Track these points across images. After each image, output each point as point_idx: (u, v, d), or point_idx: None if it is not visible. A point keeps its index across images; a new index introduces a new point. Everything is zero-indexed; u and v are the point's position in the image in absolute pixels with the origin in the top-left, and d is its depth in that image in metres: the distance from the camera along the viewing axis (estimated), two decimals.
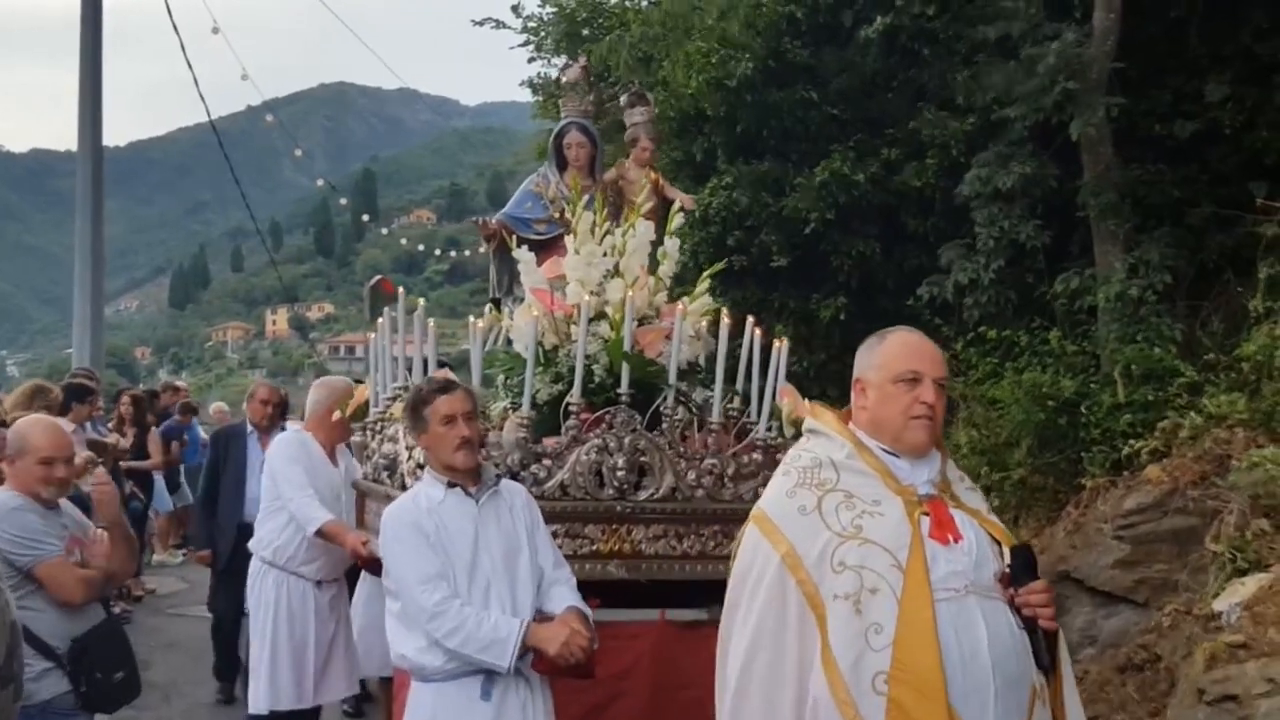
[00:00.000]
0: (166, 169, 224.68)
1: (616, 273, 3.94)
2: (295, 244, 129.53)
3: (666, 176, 5.41)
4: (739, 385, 3.97)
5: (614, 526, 3.50)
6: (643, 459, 3.53)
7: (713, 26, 8.90)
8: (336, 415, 4.55)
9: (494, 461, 3.33)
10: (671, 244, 4.15)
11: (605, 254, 3.97)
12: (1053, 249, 7.30)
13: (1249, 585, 4.46)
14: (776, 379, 3.84)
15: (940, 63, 8.21)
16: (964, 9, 7.82)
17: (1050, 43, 6.53)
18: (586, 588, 3.17)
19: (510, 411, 3.69)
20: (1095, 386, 6.18)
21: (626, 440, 3.51)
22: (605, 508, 3.50)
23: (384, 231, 65.98)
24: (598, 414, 3.55)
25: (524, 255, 4.13)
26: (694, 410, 3.90)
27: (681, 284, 4.58)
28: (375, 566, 4.19)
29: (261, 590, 4.58)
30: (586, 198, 4.13)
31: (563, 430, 3.53)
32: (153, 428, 9.53)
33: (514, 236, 4.50)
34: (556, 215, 4.72)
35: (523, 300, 4.35)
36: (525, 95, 13.10)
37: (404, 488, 3.61)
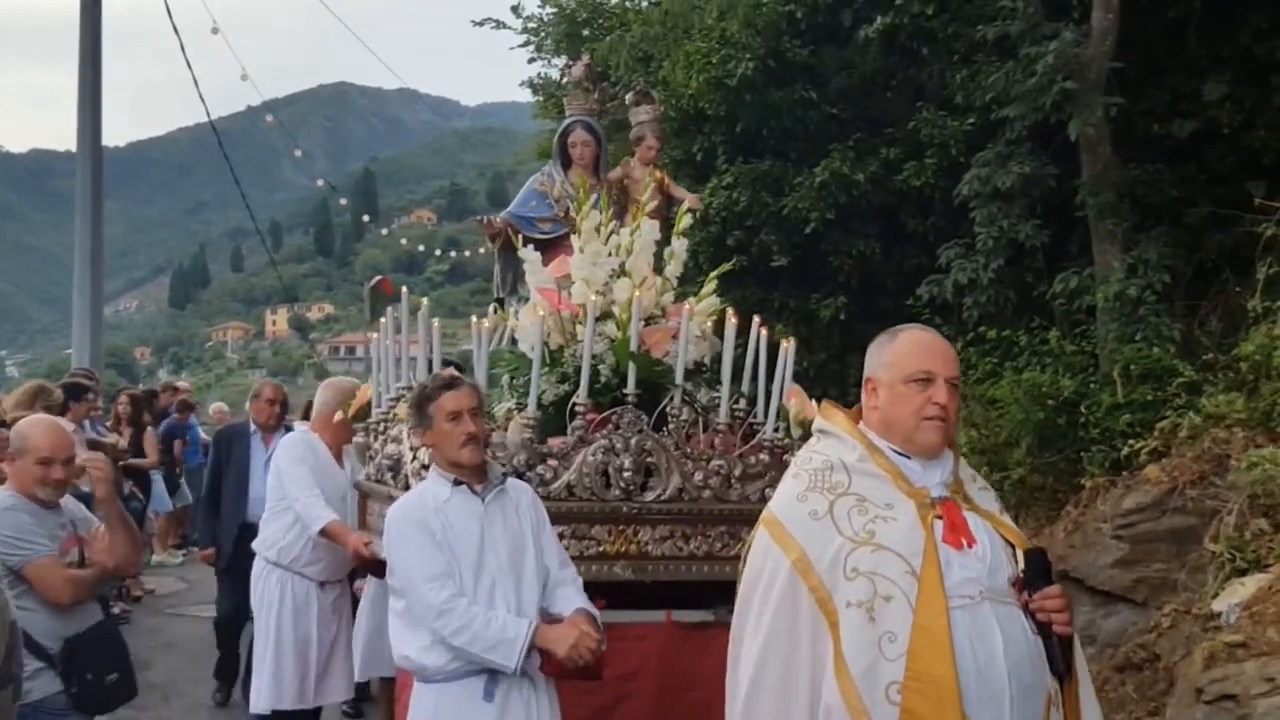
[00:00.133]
0: (166, 169, 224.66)
1: (622, 272, 3.92)
2: (295, 244, 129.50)
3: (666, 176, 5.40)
4: (744, 386, 3.95)
5: (620, 527, 3.49)
6: (649, 460, 3.51)
7: (712, 26, 8.91)
8: (339, 416, 4.54)
9: (500, 461, 3.31)
10: (679, 244, 4.12)
11: (610, 253, 3.95)
12: (1052, 248, 7.31)
13: (1248, 585, 4.46)
14: (784, 379, 3.82)
15: (939, 62, 8.22)
16: (963, 9, 7.83)
17: (1049, 42, 6.54)
18: (593, 589, 3.16)
19: (515, 412, 3.67)
20: (1094, 386, 6.19)
21: (633, 441, 3.49)
22: (611, 508, 3.48)
23: (384, 232, 65.98)
24: (604, 414, 3.53)
25: (529, 254, 4.11)
26: (699, 410, 3.88)
27: (681, 284, 4.58)
28: (376, 568, 4.20)
29: (265, 590, 4.59)
30: (594, 196, 4.11)
31: (569, 431, 3.50)
32: (149, 427, 9.53)
33: (519, 235, 4.48)
34: (561, 214, 4.70)
35: (527, 300, 4.32)
36: (525, 95, 13.13)
37: (408, 489, 3.59)
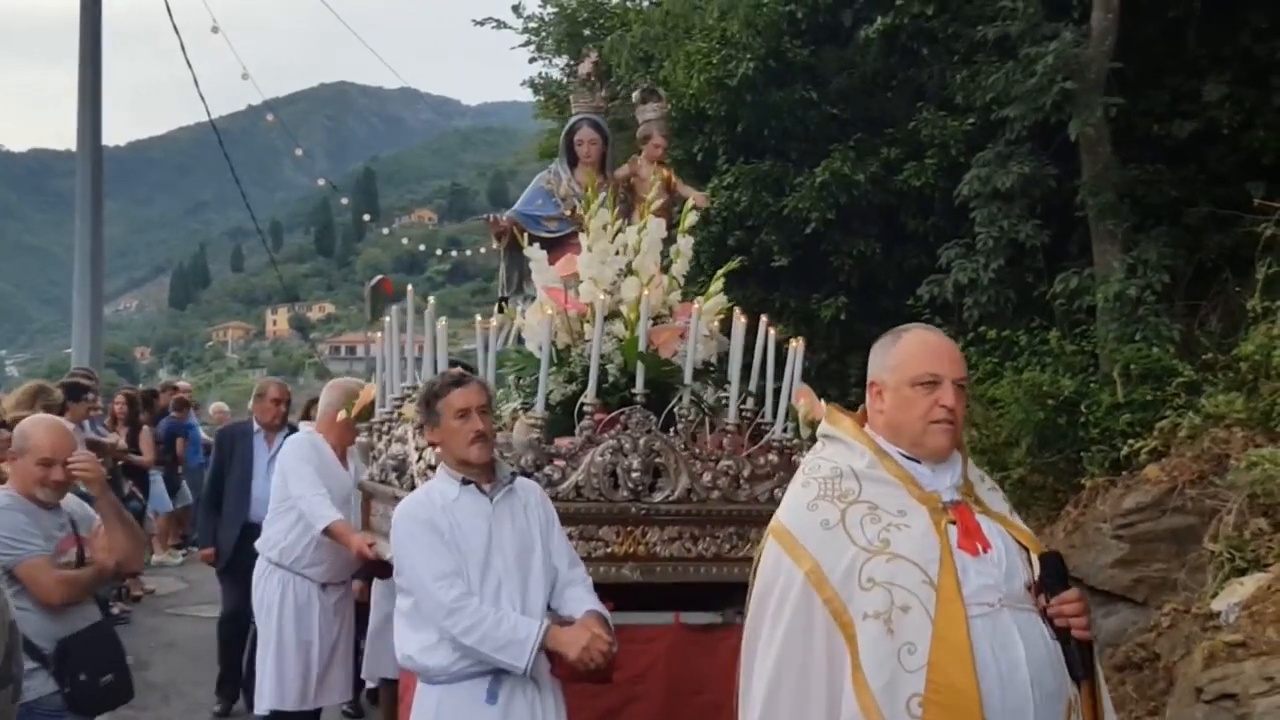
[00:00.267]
0: (166, 169, 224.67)
1: (630, 271, 3.89)
2: (296, 244, 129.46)
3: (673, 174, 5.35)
4: (751, 385, 3.92)
5: (628, 529, 3.46)
6: (658, 460, 3.49)
7: (713, 26, 8.91)
8: (341, 415, 4.52)
9: (508, 461, 3.28)
10: (685, 242, 4.10)
11: (618, 252, 3.92)
12: (1052, 249, 7.32)
13: (1247, 585, 4.47)
14: (793, 379, 3.79)
15: (939, 62, 8.22)
16: (963, 9, 7.84)
17: (1049, 43, 6.54)
18: (601, 590, 3.13)
19: (521, 412, 3.65)
20: (1094, 386, 6.20)
21: (642, 441, 3.46)
22: (620, 509, 3.45)
23: (385, 231, 66.00)
24: (612, 415, 3.50)
25: (535, 253, 4.09)
26: (705, 410, 3.86)
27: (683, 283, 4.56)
28: (380, 569, 4.19)
29: (266, 591, 4.58)
30: (602, 195, 4.09)
31: (577, 431, 3.48)
32: (146, 426, 9.53)
33: (525, 234, 4.45)
34: (568, 212, 4.68)
35: (533, 299, 4.30)
36: (526, 95, 13.14)
37: (413, 489, 3.56)
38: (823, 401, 3.68)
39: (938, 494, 2.07)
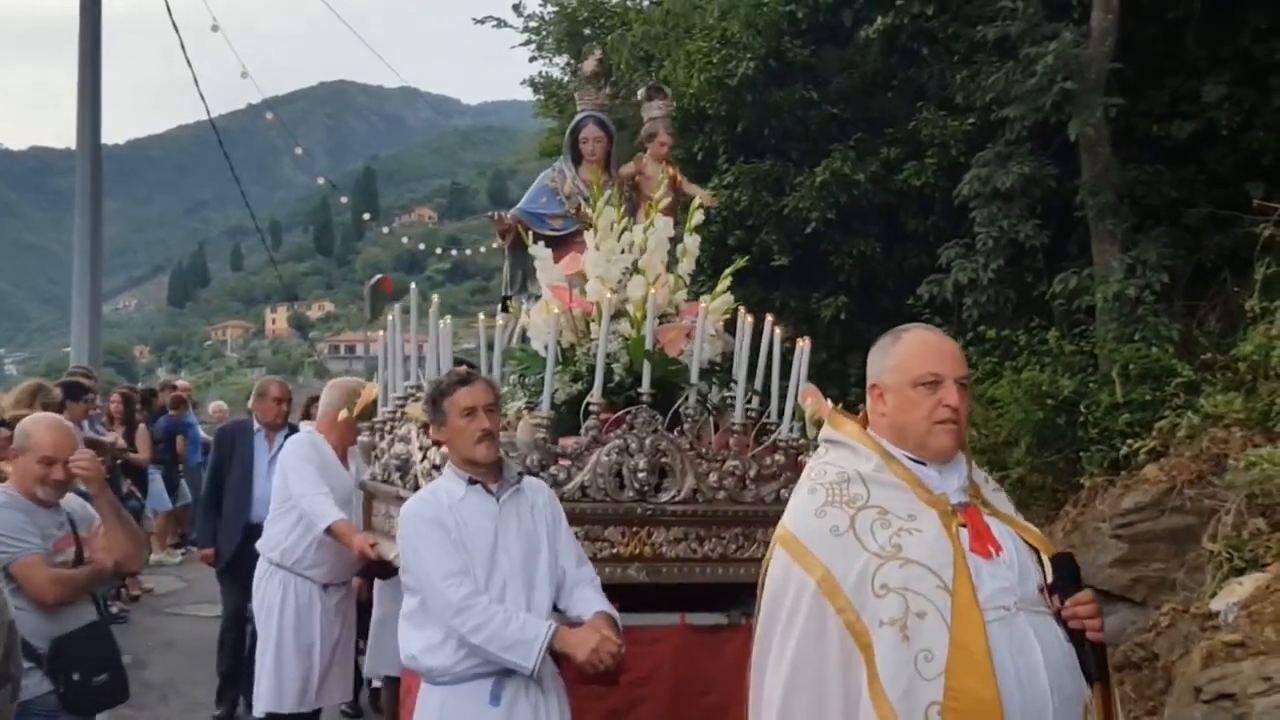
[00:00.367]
0: (166, 167, 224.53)
1: (636, 270, 3.87)
2: (295, 242, 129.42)
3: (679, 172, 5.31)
4: (756, 384, 3.89)
5: (634, 529, 3.43)
6: (664, 460, 3.46)
7: (713, 26, 8.92)
8: (343, 415, 4.48)
9: (515, 461, 3.25)
10: (691, 241, 4.07)
11: (624, 250, 3.90)
12: (1051, 249, 7.33)
13: (1246, 584, 4.48)
14: (799, 379, 3.76)
15: (940, 63, 8.23)
16: (963, 9, 7.84)
17: (1049, 43, 6.55)
18: (606, 591, 3.11)
19: (525, 411, 3.62)
20: (1093, 386, 6.21)
21: (648, 441, 3.44)
22: (625, 509, 3.43)
23: (384, 230, 65.95)
24: (618, 414, 3.47)
25: (540, 251, 4.06)
26: (710, 410, 3.83)
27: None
28: (382, 569, 4.18)
29: (267, 592, 4.54)
30: (608, 193, 4.06)
31: (582, 430, 3.45)
32: (142, 424, 9.52)
33: (529, 232, 4.41)
34: (573, 211, 4.65)
35: (537, 298, 4.27)
36: (526, 94, 13.14)
37: (417, 489, 3.54)
38: (829, 401, 3.65)
39: (946, 496, 2.04)
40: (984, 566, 1.97)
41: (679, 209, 4.55)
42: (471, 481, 2.97)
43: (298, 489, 4.39)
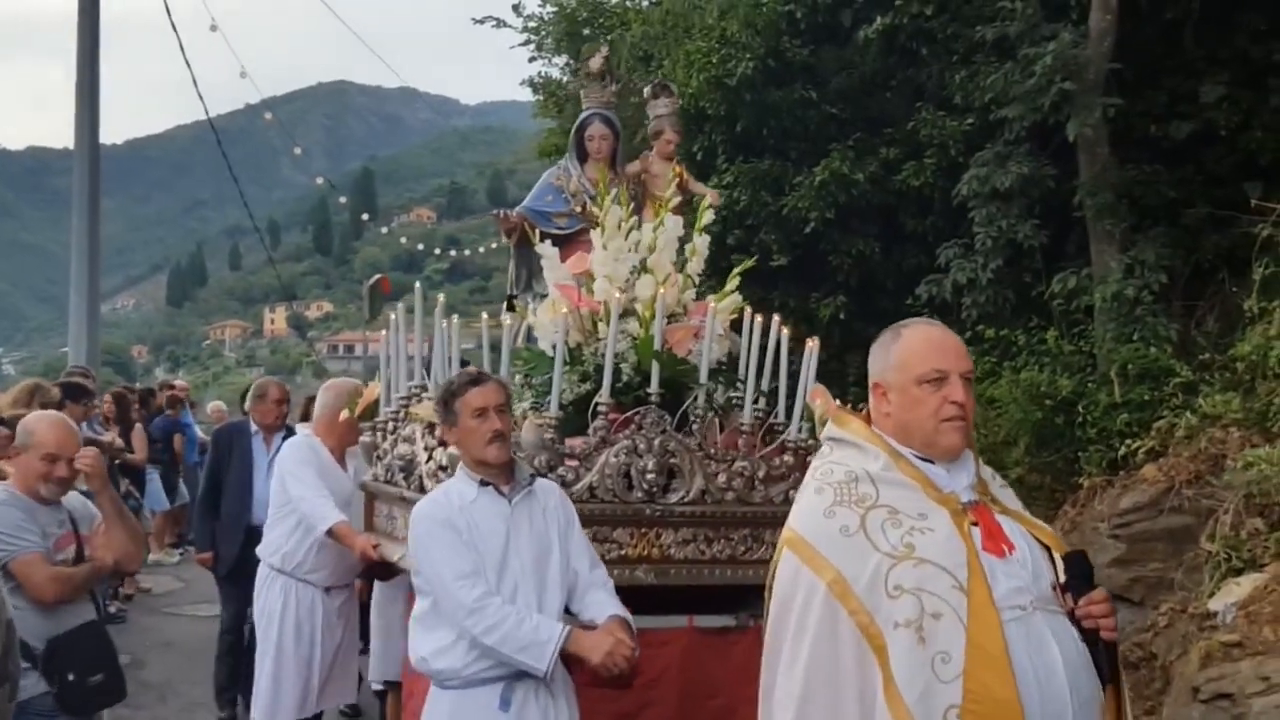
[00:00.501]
0: (164, 167, 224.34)
1: (644, 269, 3.84)
2: (294, 242, 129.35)
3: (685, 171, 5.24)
4: (763, 384, 3.86)
5: (642, 530, 3.40)
6: (672, 461, 3.43)
7: (713, 26, 8.92)
8: (344, 415, 4.44)
9: (527, 462, 3.22)
10: (700, 240, 4.05)
11: (631, 249, 3.87)
12: (1050, 249, 7.33)
13: (1244, 585, 4.48)
14: (808, 378, 3.74)
15: (938, 63, 8.23)
16: (962, 9, 7.85)
17: (1047, 43, 6.56)
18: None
19: (531, 412, 3.59)
20: (1092, 386, 6.21)
21: (656, 442, 3.40)
22: (634, 511, 3.40)
23: (383, 230, 65.83)
24: (627, 414, 3.44)
25: (547, 250, 4.03)
26: (716, 410, 3.79)
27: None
28: (384, 570, 4.16)
29: (268, 597, 4.50)
30: (615, 191, 4.02)
31: (590, 431, 3.43)
32: (138, 424, 9.51)
33: (536, 230, 4.38)
34: (578, 209, 4.61)
35: (543, 296, 4.23)
36: (525, 94, 13.14)
37: (422, 490, 3.54)
38: (838, 401, 3.62)
39: (956, 495, 2.00)
40: (998, 566, 1.92)
41: (686, 208, 4.51)
42: (483, 483, 2.94)
43: (297, 492, 4.35)
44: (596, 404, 3.45)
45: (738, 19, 8.70)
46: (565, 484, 3.32)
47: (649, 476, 3.39)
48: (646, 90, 4.95)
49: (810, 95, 8.68)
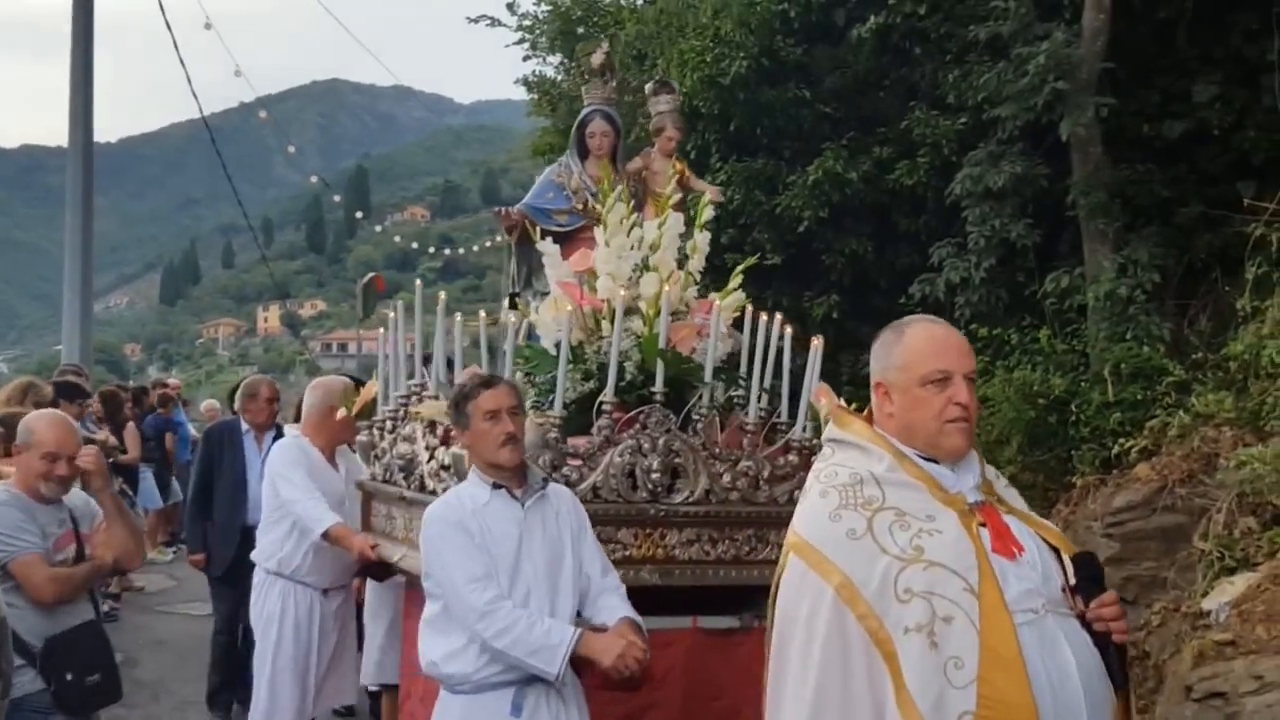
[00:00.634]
0: (158, 165, 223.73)
1: (646, 266, 3.81)
2: (287, 240, 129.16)
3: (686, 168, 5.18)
4: (766, 383, 3.83)
5: (647, 531, 3.38)
6: (677, 460, 3.41)
7: (706, 25, 8.92)
8: (341, 413, 4.38)
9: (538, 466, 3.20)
10: (701, 237, 4.02)
11: (633, 247, 3.84)
12: (1043, 248, 7.34)
13: (1237, 583, 4.49)
14: (812, 378, 3.72)
15: (932, 62, 8.24)
16: (955, 9, 7.85)
17: (1040, 43, 6.56)
18: None
19: (532, 411, 3.54)
20: (1085, 385, 6.22)
21: (661, 441, 3.38)
22: (638, 511, 3.38)
23: (377, 229, 65.87)
24: (631, 414, 3.42)
25: (549, 248, 4.00)
26: (719, 409, 3.76)
27: None
28: (380, 570, 4.13)
29: (267, 601, 4.45)
30: (617, 188, 3.99)
31: (594, 430, 3.40)
32: (130, 422, 9.48)
33: (537, 228, 4.34)
34: (579, 206, 4.59)
35: (544, 294, 4.19)
36: (520, 93, 13.10)
37: (422, 489, 3.53)
38: (841, 401, 3.60)
39: (962, 495, 1.96)
40: (1009, 568, 1.89)
41: (686, 205, 4.49)
42: (496, 486, 2.92)
43: (288, 495, 4.30)
44: (601, 403, 3.41)
45: (731, 18, 8.70)
46: (569, 484, 3.29)
47: (654, 476, 3.36)
48: (648, 87, 4.92)
49: (804, 94, 8.69)
